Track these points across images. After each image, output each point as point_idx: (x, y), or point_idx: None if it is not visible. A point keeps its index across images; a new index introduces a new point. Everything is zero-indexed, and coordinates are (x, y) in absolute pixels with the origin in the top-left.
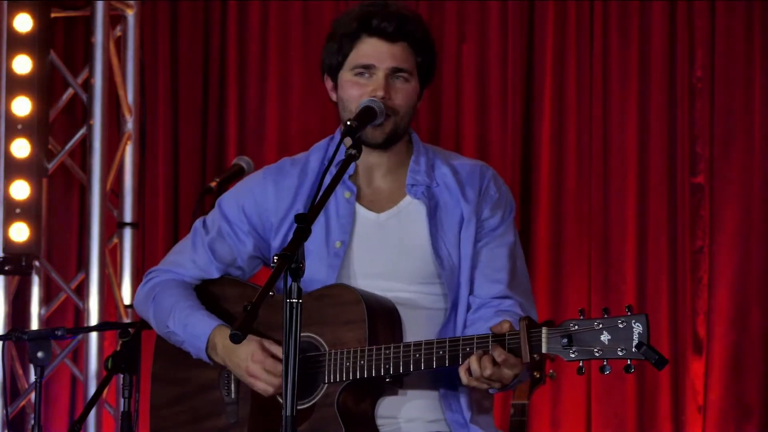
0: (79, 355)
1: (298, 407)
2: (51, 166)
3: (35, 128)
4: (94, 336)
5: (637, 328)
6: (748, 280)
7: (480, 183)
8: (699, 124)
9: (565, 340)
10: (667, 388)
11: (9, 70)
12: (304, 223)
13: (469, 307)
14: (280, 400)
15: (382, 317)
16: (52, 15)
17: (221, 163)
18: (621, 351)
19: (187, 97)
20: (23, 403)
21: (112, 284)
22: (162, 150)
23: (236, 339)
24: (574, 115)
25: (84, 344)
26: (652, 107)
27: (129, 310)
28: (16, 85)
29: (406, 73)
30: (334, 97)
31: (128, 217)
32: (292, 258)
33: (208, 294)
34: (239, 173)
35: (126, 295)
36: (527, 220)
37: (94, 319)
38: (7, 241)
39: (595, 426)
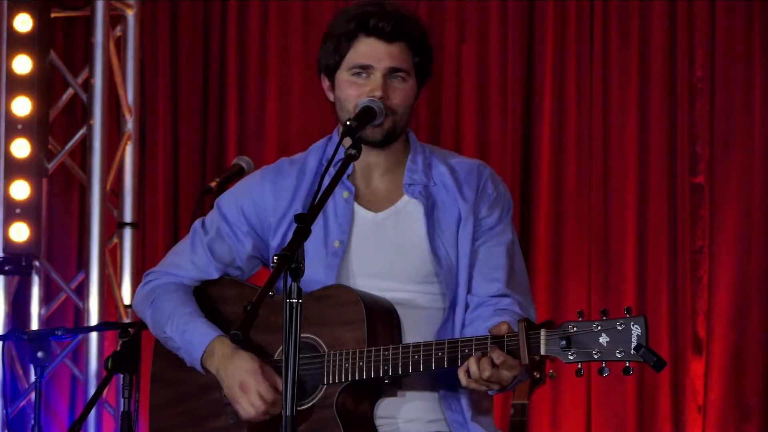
0: (79, 355)
1: (297, 408)
2: (51, 166)
3: (35, 128)
4: (94, 336)
5: (636, 330)
6: (748, 280)
7: (477, 182)
8: (699, 124)
9: (563, 342)
10: (667, 389)
11: (9, 70)
12: (303, 223)
13: (467, 306)
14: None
15: (381, 317)
16: (52, 15)
17: (221, 163)
18: (619, 353)
19: (187, 97)
20: (23, 403)
21: (112, 284)
22: (162, 150)
23: (237, 339)
24: (574, 115)
25: (84, 344)
26: (652, 107)
27: (129, 310)
28: (16, 85)
29: (404, 72)
30: (331, 97)
31: (128, 217)
32: (291, 258)
33: (207, 295)
34: (239, 173)
35: (126, 295)
36: (527, 220)
37: (94, 319)
38: (7, 241)
39: (595, 426)
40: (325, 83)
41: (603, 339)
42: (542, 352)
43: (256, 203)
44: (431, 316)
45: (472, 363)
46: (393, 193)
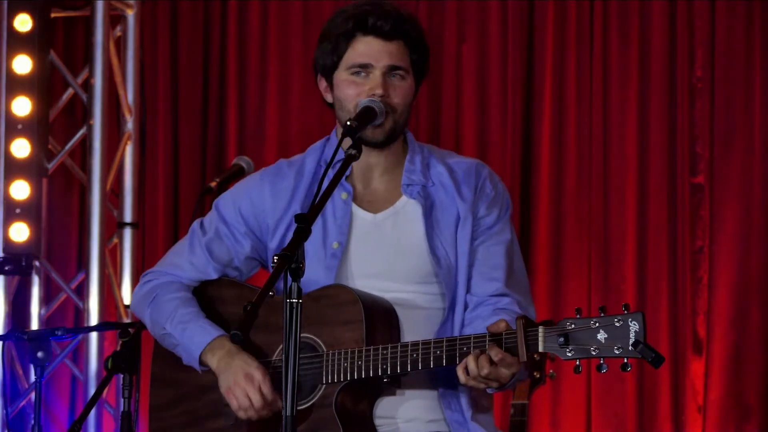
0: (79, 355)
1: (296, 408)
2: (51, 166)
3: (35, 128)
4: (94, 336)
5: (634, 327)
6: (748, 280)
7: (476, 181)
8: (699, 124)
9: (561, 339)
10: (667, 388)
11: (9, 70)
12: (304, 223)
13: (466, 306)
14: (279, 401)
15: (380, 317)
16: (52, 15)
17: (221, 163)
18: (617, 349)
19: (187, 97)
20: (23, 403)
21: (112, 284)
22: (162, 150)
23: (237, 339)
24: (574, 115)
25: (84, 344)
26: (652, 107)
27: (129, 310)
28: (16, 85)
29: (403, 71)
30: (329, 97)
31: (128, 217)
32: (292, 258)
33: (206, 295)
34: (239, 173)
35: (126, 295)
36: (527, 220)
37: (94, 319)
38: (7, 241)
39: (595, 426)
40: (322, 84)
41: (601, 335)
42: (540, 349)
43: (254, 205)
44: (430, 316)
45: (470, 361)
46: (391, 194)
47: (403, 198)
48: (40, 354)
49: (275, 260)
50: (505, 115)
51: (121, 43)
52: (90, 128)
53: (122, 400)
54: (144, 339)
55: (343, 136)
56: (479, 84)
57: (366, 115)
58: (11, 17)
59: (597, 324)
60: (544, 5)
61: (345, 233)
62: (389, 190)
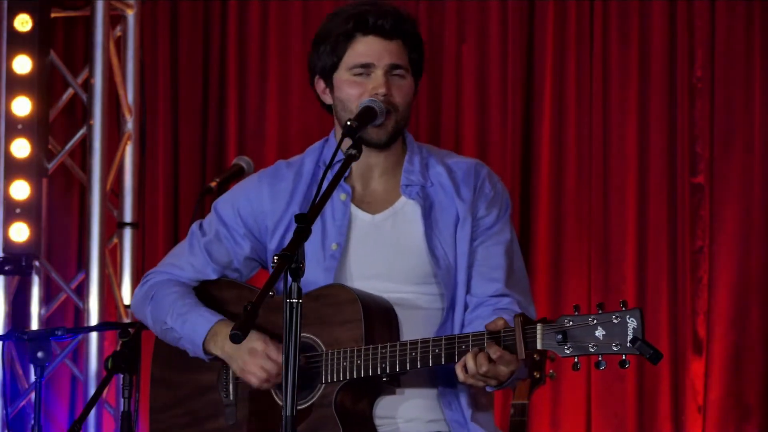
0: (79, 355)
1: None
2: (51, 166)
3: (35, 128)
4: (94, 336)
5: (632, 323)
6: (748, 280)
7: (475, 181)
8: (699, 124)
9: (559, 336)
10: (667, 388)
11: (9, 70)
12: (304, 223)
13: (466, 307)
14: (278, 401)
15: (379, 316)
16: (52, 15)
17: (221, 163)
18: (616, 346)
19: (187, 97)
20: (23, 403)
21: (112, 284)
22: (162, 150)
23: (236, 339)
24: (574, 115)
25: (84, 344)
26: (652, 107)
27: (129, 310)
28: (16, 85)
29: (403, 69)
30: (328, 99)
31: (128, 217)
32: (292, 258)
33: (206, 296)
34: (239, 173)
35: (126, 295)
36: (527, 220)
37: (94, 319)
38: (7, 241)
39: (595, 426)
40: (320, 86)
41: (599, 332)
42: (538, 346)
43: (253, 206)
44: (430, 317)
45: (469, 359)
46: (390, 195)
47: (402, 199)
48: (40, 354)
49: (275, 260)
50: (505, 115)
51: (121, 43)
52: (90, 128)
53: (122, 400)
54: (144, 339)
55: (343, 136)
56: (479, 84)
57: (366, 115)
58: (11, 17)
59: (595, 321)
60: (544, 5)
61: (344, 234)
62: (388, 191)
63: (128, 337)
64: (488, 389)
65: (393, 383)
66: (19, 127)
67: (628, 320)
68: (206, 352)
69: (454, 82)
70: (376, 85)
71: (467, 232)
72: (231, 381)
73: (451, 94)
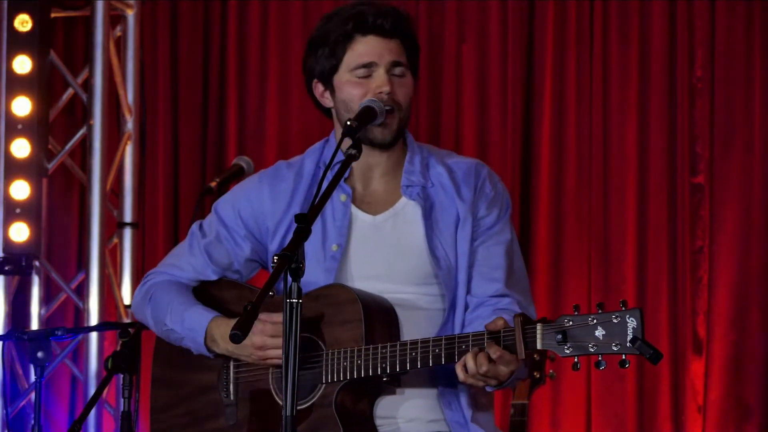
0: (79, 355)
1: (296, 408)
2: (51, 166)
3: (35, 128)
4: (94, 336)
5: (632, 323)
6: (748, 280)
7: (475, 181)
8: (699, 124)
9: (559, 336)
10: (667, 388)
11: (9, 70)
12: (304, 223)
13: (467, 307)
14: (278, 401)
15: (379, 316)
16: (52, 15)
17: (221, 163)
18: (615, 346)
19: (187, 97)
20: (23, 403)
21: (112, 284)
22: (162, 150)
23: (236, 339)
24: (574, 115)
25: (84, 344)
26: (652, 107)
27: (129, 310)
28: (16, 85)
29: (404, 67)
30: (328, 103)
31: (128, 217)
32: (292, 258)
33: (206, 295)
34: (239, 173)
35: (126, 295)
36: (527, 220)
37: (94, 319)
38: (7, 241)
39: (595, 426)
40: (319, 89)
41: (599, 332)
42: (538, 346)
43: (254, 207)
44: (431, 317)
45: (469, 358)
46: (391, 195)
47: (403, 199)
48: (40, 354)
49: (275, 260)
50: (505, 115)
51: (121, 43)
52: (90, 128)
53: (122, 400)
54: (144, 339)
55: (343, 136)
56: (479, 84)
57: (365, 115)
58: (11, 17)
59: (595, 321)
60: (544, 5)
61: (344, 235)
62: (389, 192)
63: (128, 337)
64: (488, 389)
65: (393, 383)
66: (19, 127)
67: (627, 320)
68: (209, 350)
69: (454, 82)
70: (380, 84)
71: (468, 233)
72: (231, 381)
73: (451, 94)
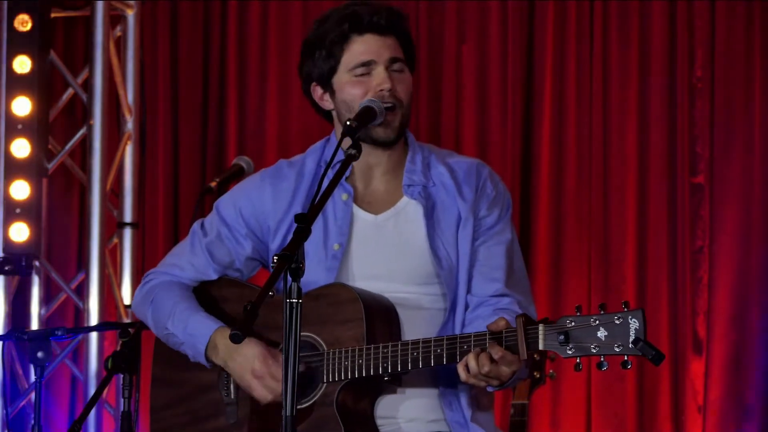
0: (79, 355)
1: (297, 407)
2: (51, 166)
3: (35, 128)
4: (94, 336)
5: (634, 324)
6: (748, 280)
7: (477, 181)
8: (699, 124)
9: (561, 337)
10: (667, 388)
11: (9, 70)
12: (303, 223)
13: (467, 306)
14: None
15: (380, 315)
16: (52, 15)
17: (221, 163)
18: (618, 347)
19: (187, 97)
20: (23, 403)
21: (112, 284)
22: (162, 150)
23: (236, 339)
24: (574, 115)
25: (84, 344)
26: (652, 107)
27: (129, 310)
28: (16, 85)
29: (402, 62)
30: (328, 105)
31: (128, 217)
32: (292, 258)
33: (207, 294)
34: (239, 173)
35: (126, 295)
36: (527, 220)
37: (94, 319)
38: (7, 241)
39: (595, 426)
40: (318, 92)
41: (601, 333)
42: (540, 347)
43: (255, 206)
44: (432, 317)
45: (470, 358)
46: (392, 195)
47: (404, 198)
48: (40, 354)
49: (275, 260)
50: (505, 115)
51: (121, 43)
52: (90, 128)
53: (122, 400)
54: (144, 339)
55: (343, 135)
56: (479, 84)
57: (365, 115)
58: (11, 17)
59: (597, 321)
60: (544, 5)
61: (345, 234)
62: (390, 191)
63: (128, 337)
64: (489, 389)
65: (394, 382)
66: (19, 127)
67: (630, 321)
68: (208, 359)
69: (454, 82)
70: (380, 81)
71: (469, 232)
72: (232, 380)
73: (451, 94)
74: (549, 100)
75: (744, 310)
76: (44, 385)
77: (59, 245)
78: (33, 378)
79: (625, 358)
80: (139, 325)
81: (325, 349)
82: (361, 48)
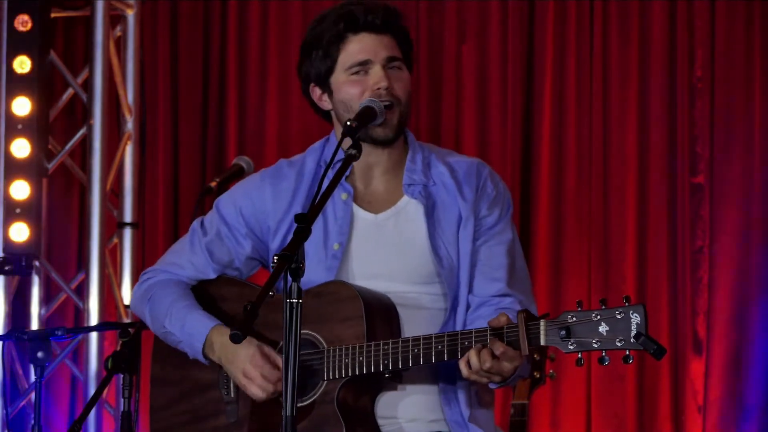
0: (79, 355)
1: (298, 405)
2: (51, 166)
3: (35, 128)
4: (94, 336)
5: (635, 319)
6: (748, 280)
7: (477, 181)
8: (699, 124)
9: (563, 332)
10: (667, 388)
11: (9, 70)
12: (304, 223)
13: (468, 306)
14: (280, 398)
15: (380, 313)
16: (52, 15)
17: (221, 163)
18: (619, 342)
19: (187, 97)
20: (23, 403)
21: (112, 284)
22: (162, 150)
23: (236, 339)
24: (574, 115)
25: (84, 344)
26: (652, 107)
27: (129, 310)
28: (16, 85)
29: (399, 61)
30: (326, 105)
31: (128, 217)
32: (292, 258)
33: (206, 293)
34: (239, 173)
35: (126, 295)
36: (527, 220)
37: (94, 319)
38: (7, 241)
39: (595, 426)
40: (316, 93)
41: (602, 328)
42: (542, 342)
43: (255, 206)
44: (433, 317)
45: (472, 355)
46: (393, 194)
47: (405, 198)
48: (40, 354)
49: (275, 260)
50: (505, 115)
51: (121, 43)
52: (90, 128)
53: (122, 400)
54: (144, 339)
55: (343, 136)
56: (479, 84)
57: (365, 115)
58: (11, 17)
59: (598, 316)
60: (544, 5)
61: (345, 234)
62: (390, 190)
63: (128, 337)
64: (491, 386)
65: (395, 379)
66: (19, 127)
67: (631, 316)
68: (205, 357)
69: (454, 82)
70: (377, 80)
71: (470, 232)
72: (232, 379)
73: (451, 94)
74: (549, 100)
75: (744, 310)
76: (44, 385)
77: (59, 245)
78: (33, 378)
79: (627, 353)
80: (139, 325)
81: (325, 346)
82: (357, 47)
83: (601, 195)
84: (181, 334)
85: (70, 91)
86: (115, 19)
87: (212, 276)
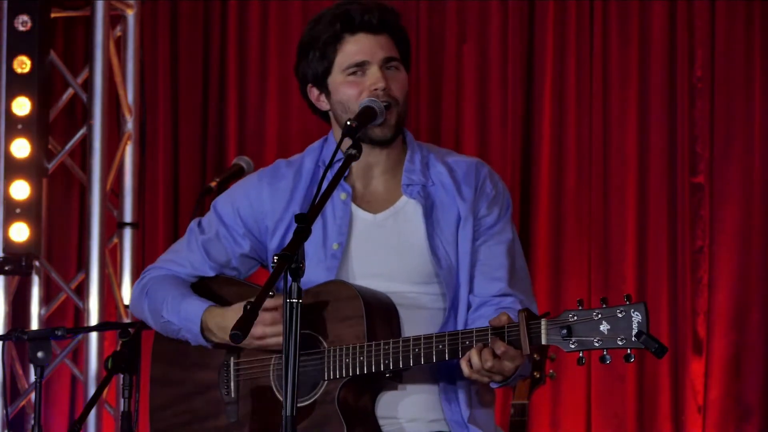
0: (79, 355)
1: (299, 405)
2: (51, 166)
3: (35, 128)
4: (94, 336)
5: (636, 317)
6: (748, 280)
7: (476, 181)
8: (699, 124)
9: (564, 331)
10: (667, 388)
11: (9, 70)
12: (303, 223)
13: (469, 306)
14: (280, 398)
15: (380, 312)
16: (52, 15)
17: (221, 163)
18: (621, 340)
19: (187, 97)
20: (23, 403)
21: (112, 284)
22: (162, 150)
23: (237, 339)
24: (574, 115)
25: (84, 344)
26: (652, 107)
27: (129, 310)
28: (16, 85)
29: (397, 61)
30: (324, 106)
31: (128, 217)
32: (292, 258)
33: (205, 292)
34: (239, 173)
35: (126, 295)
36: (527, 219)
37: (94, 319)
38: (7, 241)
39: (595, 426)
40: (314, 93)
41: (604, 327)
42: (543, 341)
43: (253, 206)
44: (432, 317)
45: (473, 354)
46: (391, 194)
47: (404, 198)
48: (40, 354)
49: (275, 260)
50: (505, 115)
51: (121, 43)
52: (90, 128)
53: (122, 400)
54: (144, 339)
55: (343, 136)
56: (479, 84)
57: (365, 115)
58: (11, 17)
59: (599, 315)
60: (544, 5)
61: (345, 234)
62: (389, 190)
63: (128, 337)
64: (493, 386)
65: (395, 379)
66: (19, 127)
67: (632, 314)
68: (207, 340)
69: (455, 82)
70: (374, 81)
71: (469, 232)
72: (232, 378)
73: (451, 94)
74: (549, 100)
75: (744, 310)
76: (44, 385)
77: (59, 245)
78: (33, 378)
79: (628, 351)
80: (139, 325)
81: (326, 346)
82: (354, 48)
83: (601, 195)
84: (178, 320)
85: (70, 91)
86: (115, 19)
87: (210, 274)
